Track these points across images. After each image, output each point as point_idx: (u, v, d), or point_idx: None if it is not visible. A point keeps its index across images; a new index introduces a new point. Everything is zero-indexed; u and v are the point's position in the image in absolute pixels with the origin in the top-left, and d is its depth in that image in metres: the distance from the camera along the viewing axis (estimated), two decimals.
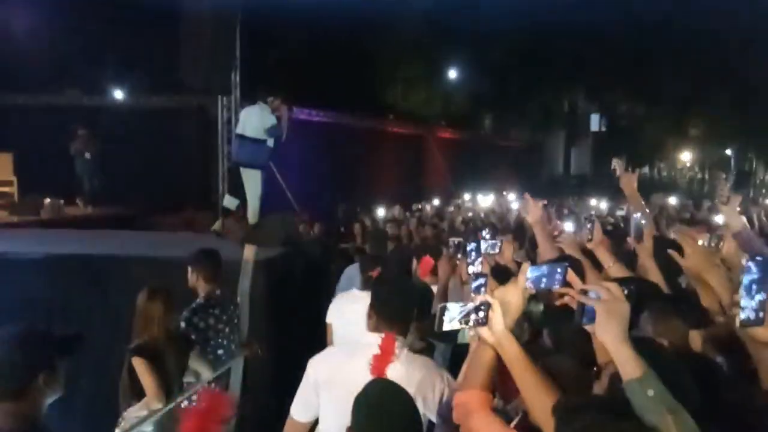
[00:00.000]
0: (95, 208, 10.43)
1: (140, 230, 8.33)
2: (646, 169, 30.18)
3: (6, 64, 11.28)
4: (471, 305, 1.59)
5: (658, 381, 1.32)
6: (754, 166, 28.41)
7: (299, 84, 13.07)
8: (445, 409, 1.85)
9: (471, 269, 2.64)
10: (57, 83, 12.20)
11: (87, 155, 10.30)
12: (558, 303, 1.75)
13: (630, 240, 3.07)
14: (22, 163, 10.32)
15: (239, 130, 6.55)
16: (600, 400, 1.46)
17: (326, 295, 5.27)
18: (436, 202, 14.55)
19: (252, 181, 6.41)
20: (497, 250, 3.03)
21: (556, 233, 3.39)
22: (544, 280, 1.67)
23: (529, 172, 24.13)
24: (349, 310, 3.22)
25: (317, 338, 3.62)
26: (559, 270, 1.68)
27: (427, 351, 3.04)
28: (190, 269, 3.66)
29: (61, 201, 10.00)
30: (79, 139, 10.29)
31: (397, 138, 18.97)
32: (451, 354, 3.40)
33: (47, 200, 9.82)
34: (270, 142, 6.44)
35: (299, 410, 2.35)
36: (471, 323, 1.58)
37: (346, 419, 2.17)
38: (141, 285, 3.20)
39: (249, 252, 4.27)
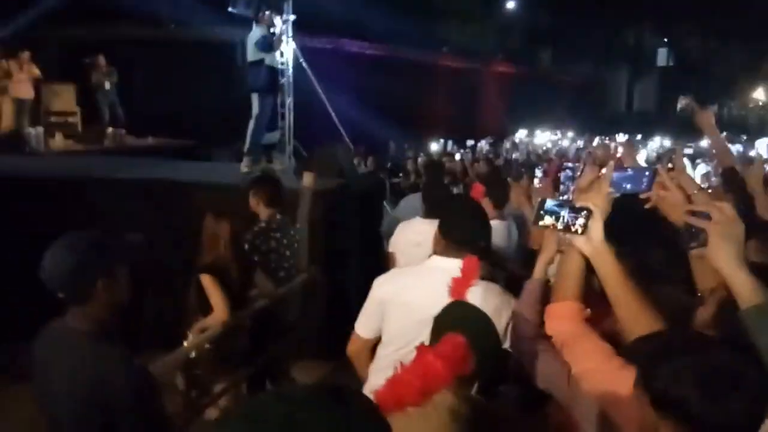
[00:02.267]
0: (139, 138, 10.55)
1: (197, 160, 8.50)
2: (715, 108, 28.50)
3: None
4: (568, 207, 1.46)
5: None
6: None
7: (352, 16, 12.73)
8: (521, 330, 1.80)
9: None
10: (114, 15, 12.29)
11: (107, 86, 10.17)
12: (647, 206, 1.61)
13: (738, 167, 2.98)
14: (84, 94, 10.55)
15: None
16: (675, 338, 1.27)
17: (378, 227, 5.30)
18: (490, 138, 14.23)
19: (253, 104, 6.22)
20: (578, 173, 2.96)
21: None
22: (628, 184, 1.54)
23: (589, 108, 23.14)
24: (412, 238, 3.19)
25: (370, 266, 3.62)
26: (646, 173, 1.55)
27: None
28: (251, 194, 3.72)
29: (123, 131, 10.26)
30: (98, 70, 10.15)
31: (451, 72, 18.43)
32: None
33: (110, 129, 10.09)
34: (269, 60, 6.20)
35: (364, 327, 2.37)
36: (568, 228, 1.46)
37: (409, 338, 2.17)
38: (203, 209, 3.24)
39: (308, 179, 4.27)
